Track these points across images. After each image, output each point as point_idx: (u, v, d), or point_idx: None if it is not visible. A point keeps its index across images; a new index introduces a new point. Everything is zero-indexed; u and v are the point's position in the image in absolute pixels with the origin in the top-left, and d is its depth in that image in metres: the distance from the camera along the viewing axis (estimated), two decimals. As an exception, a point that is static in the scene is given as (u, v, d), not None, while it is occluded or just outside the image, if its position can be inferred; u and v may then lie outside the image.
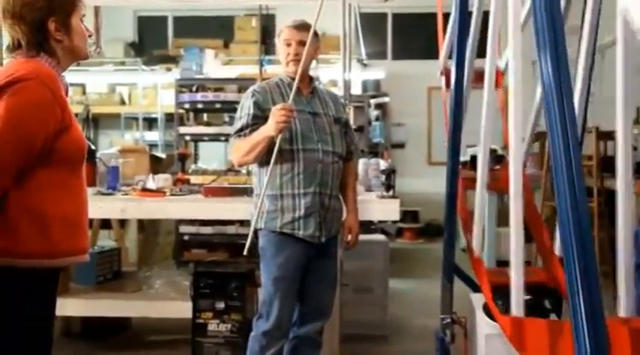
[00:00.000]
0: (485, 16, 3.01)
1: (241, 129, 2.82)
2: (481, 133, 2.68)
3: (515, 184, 2.09)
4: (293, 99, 2.74)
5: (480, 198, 2.51)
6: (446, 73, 3.77)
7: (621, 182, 2.01)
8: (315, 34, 2.86)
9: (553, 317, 2.49)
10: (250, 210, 2.95)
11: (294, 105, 2.75)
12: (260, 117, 2.79)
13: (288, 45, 2.86)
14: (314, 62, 3.03)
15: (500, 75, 3.37)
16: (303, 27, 2.86)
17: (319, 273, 2.89)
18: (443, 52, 3.88)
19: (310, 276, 2.88)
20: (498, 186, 3.06)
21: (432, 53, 5.94)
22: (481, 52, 3.08)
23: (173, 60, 8.44)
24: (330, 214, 2.87)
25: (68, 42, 2.00)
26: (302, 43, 2.81)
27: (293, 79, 2.83)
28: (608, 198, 5.63)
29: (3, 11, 1.97)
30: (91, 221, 4.98)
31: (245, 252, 2.73)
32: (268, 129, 2.70)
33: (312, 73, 3.05)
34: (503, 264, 2.74)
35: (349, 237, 3.00)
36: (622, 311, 2.04)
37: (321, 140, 2.84)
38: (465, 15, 2.98)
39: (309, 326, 2.89)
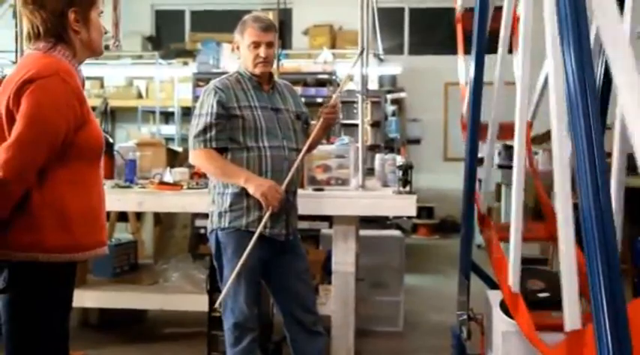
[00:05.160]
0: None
1: (205, 130, 2.76)
2: (514, 186, 2.50)
3: (566, 230, 1.93)
4: (255, 95, 2.81)
5: (514, 245, 2.43)
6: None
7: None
8: (275, 30, 2.89)
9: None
10: (210, 208, 2.88)
11: (257, 101, 2.80)
12: (224, 116, 2.77)
13: (257, 47, 2.82)
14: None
15: (529, 128, 3.25)
16: (271, 28, 2.85)
17: (289, 269, 2.88)
18: (465, 109, 3.73)
19: (280, 274, 2.89)
20: (532, 237, 2.99)
21: (449, 49, 5.91)
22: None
23: (190, 54, 8.46)
24: (293, 211, 2.88)
25: (86, 34, 2.02)
26: (269, 45, 2.82)
27: (253, 74, 2.85)
28: (627, 195, 5.56)
29: None
30: (108, 213, 5.01)
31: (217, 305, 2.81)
32: (250, 186, 2.69)
33: (325, 67, 3.07)
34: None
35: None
36: None
37: (286, 137, 2.83)
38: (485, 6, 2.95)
39: (300, 318, 2.87)
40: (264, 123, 2.79)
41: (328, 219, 4.23)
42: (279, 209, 2.74)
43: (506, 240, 2.58)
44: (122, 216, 5.39)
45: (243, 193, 2.76)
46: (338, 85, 6.80)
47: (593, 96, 1.54)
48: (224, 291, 2.74)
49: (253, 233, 2.71)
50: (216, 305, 2.82)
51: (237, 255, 2.70)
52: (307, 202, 3.20)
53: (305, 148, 2.81)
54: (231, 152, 2.79)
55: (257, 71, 2.84)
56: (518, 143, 2.40)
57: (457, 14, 3.94)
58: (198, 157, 2.83)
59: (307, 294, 2.92)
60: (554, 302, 2.46)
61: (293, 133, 2.87)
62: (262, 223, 2.71)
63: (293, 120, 2.90)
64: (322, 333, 2.94)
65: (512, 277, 2.37)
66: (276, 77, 3.01)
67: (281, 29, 7.91)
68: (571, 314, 1.84)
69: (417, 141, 9.96)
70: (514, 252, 2.37)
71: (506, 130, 2.86)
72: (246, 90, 2.84)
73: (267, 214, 2.71)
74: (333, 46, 8.80)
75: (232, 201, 2.78)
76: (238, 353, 2.78)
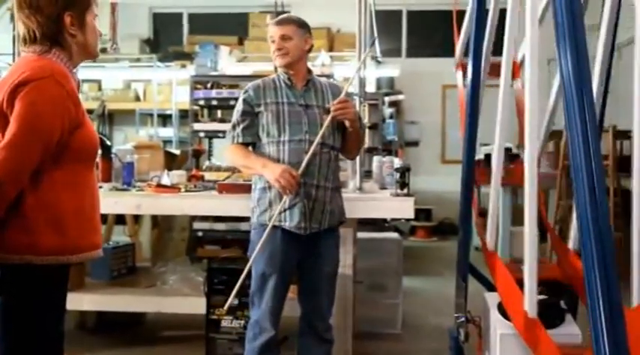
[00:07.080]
0: (502, 12, 3.00)
1: (233, 127, 2.91)
2: (496, 127, 2.61)
3: (531, 177, 2.02)
4: (285, 93, 2.86)
5: (495, 193, 2.48)
6: (462, 67, 3.75)
7: (637, 182, 1.97)
8: (303, 25, 2.91)
9: (568, 316, 2.47)
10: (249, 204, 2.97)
11: (285, 98, 2.85)
12: (249, 113, 2.88)
13: (273, 42, 2.89)
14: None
15: (517, 66, 3.35)
16: (284, 21, 2.91)
17: (312, 273, 2.90)
18: (459, 46, 3.84)
19: (306, 276, 2.92)
20: (512, 181, 3.05)
21: (446, 51, 5.93)
22: (496, 51, 3.06)
23: (188, 56, 8.45)
24: (320, 206, 2.83)
25: (81, 37, 2.03)
26: (284, 37, 2.86)
27: (286, 73, 2.90)
28: (625, 198, 5.58)
29: (19, 1, 1.99)
30: (105, 216, 5.04)
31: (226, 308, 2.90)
32: (266, 172, 2.75)
33: (323, 69, 3.07)
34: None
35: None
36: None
37: (311, 131, 2.83)
38: (482, 8, 2.97)
39: (314, 324, 2.91)
40: (288, 117, 2.84)
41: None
42: (296, 195, 2.76)
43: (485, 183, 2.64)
44: (120, 219, 5.37)
45: (266, 187, 2.82)
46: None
47: (590, 97, 1.55)
48: (234, 290, 2.76)
49: (278, 228, 2.77)
50: (224, 309, 2.87)
51: (263, 255, 2.78)
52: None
53: (316, 141, 2.78)
54: (256, 148, 2.90)
55: (277, 64, 2.90)
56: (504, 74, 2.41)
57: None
58: (228, 152, 2.97)
59: (325, 302, 2.94)
60: (554, 306, 2.48)
61: (320, 128, 2.84)
62: (279, 208, 2.74)
63: (322, 115, 2.89)
64: (331, 340, 2.97)
65: (490, 235, 2.39)
66: (314, 75, 3.00)
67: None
68: (530, 302, 1.86)
69: (414, 144, 9.98)
70: (493, 205, 2.40)
71: (495, 67, 2.92)
72: (277, 88, 2.90)
73: (285, 199, 2.74)
74: (331, 49, 8.79)
75: (259, 196, 2.87)
76: (251, 351, 2.84)
